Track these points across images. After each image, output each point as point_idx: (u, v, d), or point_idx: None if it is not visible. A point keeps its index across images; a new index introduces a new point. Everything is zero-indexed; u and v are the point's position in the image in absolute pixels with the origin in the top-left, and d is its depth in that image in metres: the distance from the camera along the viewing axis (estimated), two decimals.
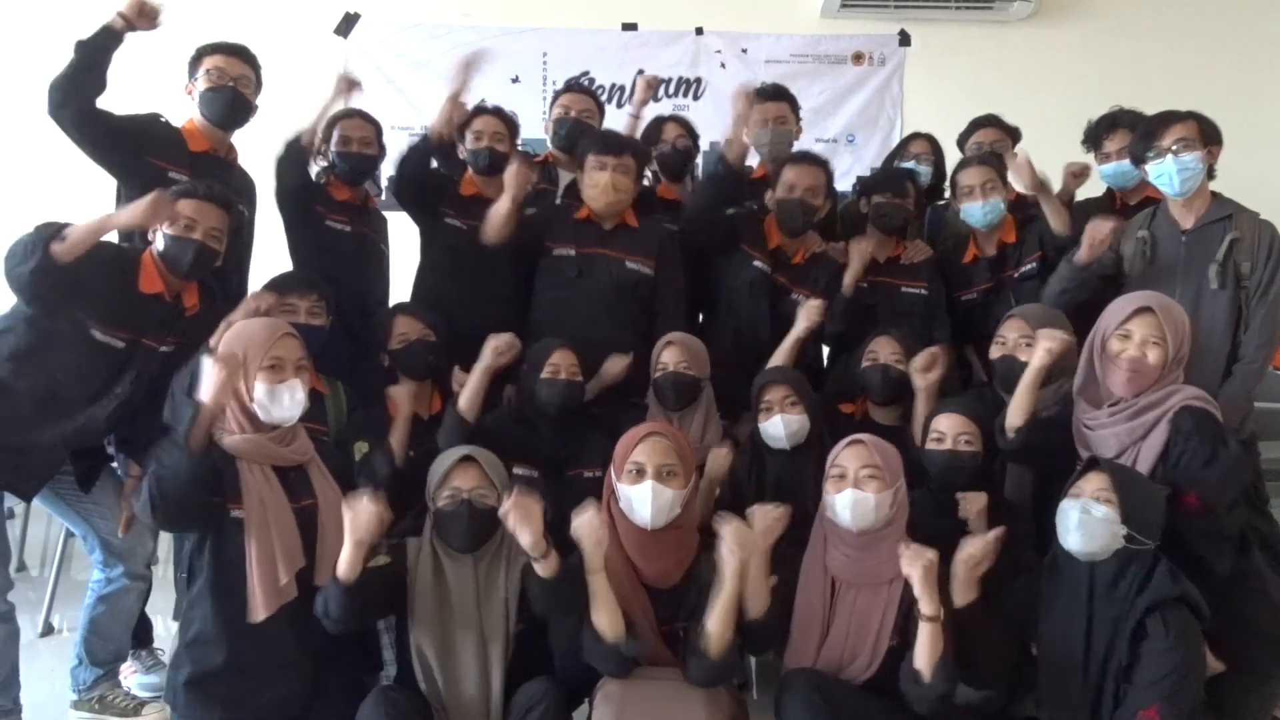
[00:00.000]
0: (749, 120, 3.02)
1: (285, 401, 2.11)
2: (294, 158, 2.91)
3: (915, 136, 3.56)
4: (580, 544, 2.05)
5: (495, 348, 2.57)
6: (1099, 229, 2.60)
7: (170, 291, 2.46)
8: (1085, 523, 1.97)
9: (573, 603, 2.07)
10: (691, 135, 3.36)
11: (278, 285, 2.62)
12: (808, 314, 2.78)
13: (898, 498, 2.15)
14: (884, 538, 2.13)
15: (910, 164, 3.41)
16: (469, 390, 2.52)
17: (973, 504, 2.29)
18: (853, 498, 2.11)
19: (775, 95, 3.31)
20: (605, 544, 2.06)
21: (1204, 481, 2.11)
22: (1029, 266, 2.93)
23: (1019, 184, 2.92)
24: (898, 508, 2.15)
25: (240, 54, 2.81)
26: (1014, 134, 3.44)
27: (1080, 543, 1.99)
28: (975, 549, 2.04)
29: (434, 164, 3.10)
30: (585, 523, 2.05)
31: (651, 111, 3.36)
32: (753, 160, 3.27)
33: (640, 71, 4.90)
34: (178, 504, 2.02)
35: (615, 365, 2.75)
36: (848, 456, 2.17)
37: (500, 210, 2.77)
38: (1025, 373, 2.34)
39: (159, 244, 2.42)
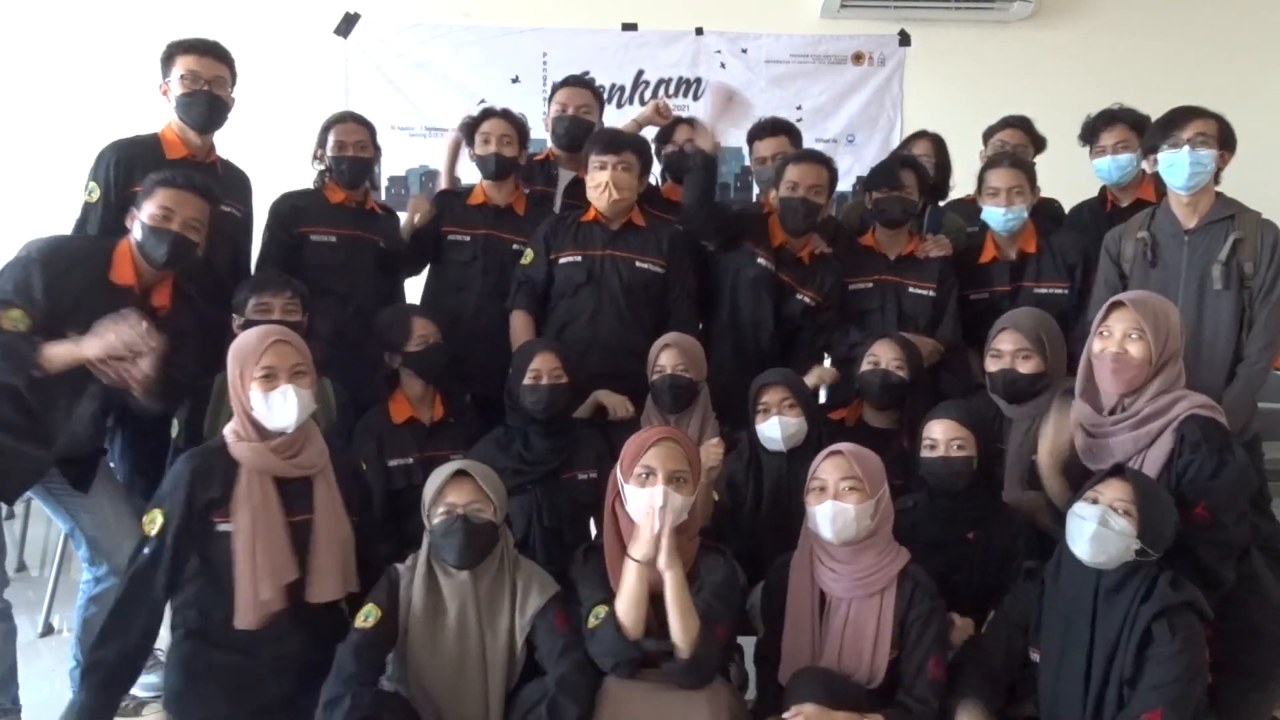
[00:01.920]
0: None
1: (279, 407, 2.10)
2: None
3: (918, 136, 3.54)
4: (638, 530, 2.05)
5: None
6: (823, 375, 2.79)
7: (141, 285, 2.42)
8: (1101, 535, 1.93)
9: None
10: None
11: (253, 286, 2.62)
12: (819, 378, 2.82)
13: (880, 507, 2.13)
14: (869, 547, 2.12)
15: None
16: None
17: (960, 634, 2.23)
18: (833, 510, 2.09)
19: (776, 130, 3.27)
20: (664, 533, 2.03)
21: (1212, 492, 2.09)
22: (1056, 290, 2.89)
23: None
24: (881, 517, 2.13)
25: (213, 52, 2.76)
26: (1039, 141, 3.42)
27: (1091, 553, 1.95)
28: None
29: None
30: (648, 505, 2.05)
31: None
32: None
33: (640, 72, 4.92)
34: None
35: (619, 406, 2.75)
36: (827, 468, 2.15)
37: None
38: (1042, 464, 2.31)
39: (136, 234, 2.39)
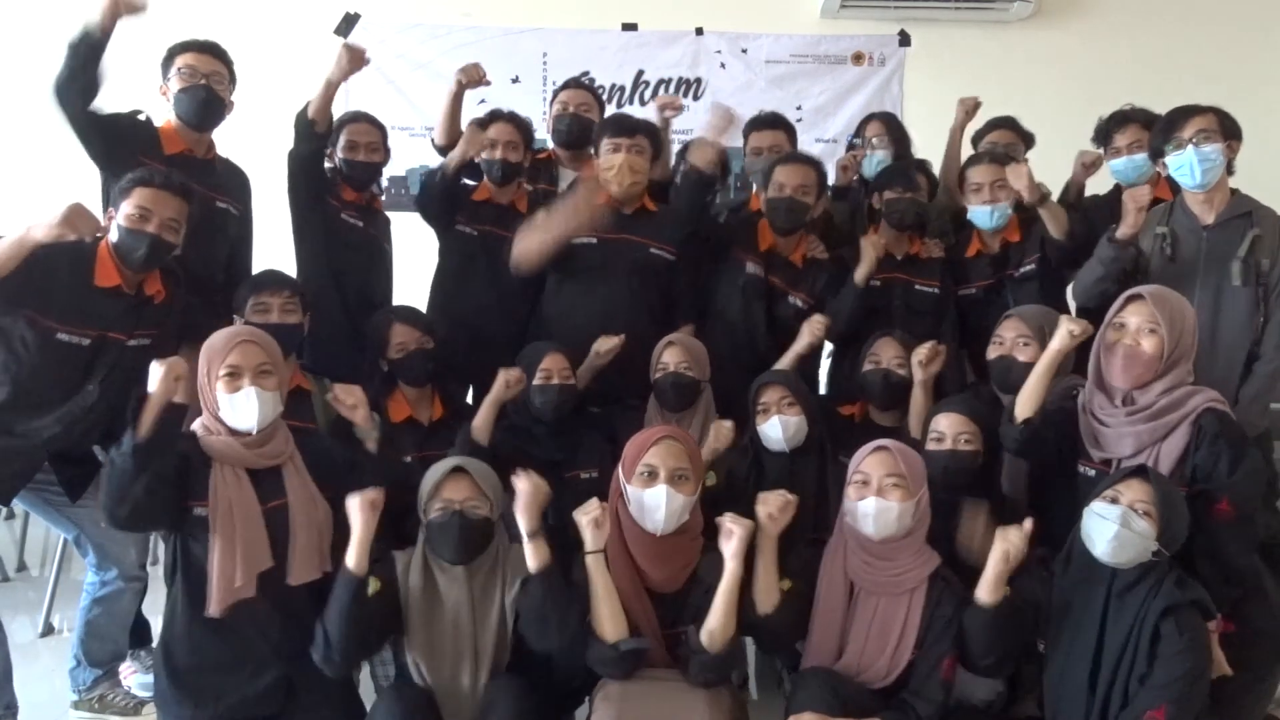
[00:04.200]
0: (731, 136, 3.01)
1: (241, 408, 2.10)
2: (301, 129, 2.90)
3: (871, 118, 3.53)
4: (580, 527, 2.08)
5: (507, 381, 2.58)
6: (1139, 194, 2.60)
7: (129, 284, 2.41)
8: (1123, 535, 1.93)
9: (565, 622, 2.06)
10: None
11: (252, 285, 2.62)
12: (811, 330, 2.78)
13: (920, 506, 2.13)
14: (905, 547, 2.12)
15: (867, 150, 3.36)
16: (481, 419, 2.54)
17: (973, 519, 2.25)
18: (876, 507, 2.09)
19: (772, 124, 3.28)
20: (606, 528, 2.08)
21: (1234, 488, 2.08)
22: (1028, 267, 2.92)
23: (1027, 194, 2.85)
24: (920, 516, 2.13)
25: (211, 50, 2.76)
26: (1028, 139, 3.42)
27: (1111, 553, 1.95)
28: (1013, 546, 2.02)
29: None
30: (587, 506, 2.09)
31: (651, 112, 3.35)
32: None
33: (640, 72, 4.92)
34: (122, 498, 2.01)
35: (605, 344, 2.74)
36: (872, 463, 2.13)
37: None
38: (1043, 356, 2.28)
39: (113, 235, 2.37)
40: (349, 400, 2.42)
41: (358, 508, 2.05)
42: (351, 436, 2.62)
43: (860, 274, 2.88)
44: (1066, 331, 2.27)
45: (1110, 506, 1.97)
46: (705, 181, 2.87)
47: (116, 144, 2.63)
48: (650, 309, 2.91)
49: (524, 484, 2.11)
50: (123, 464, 1.99)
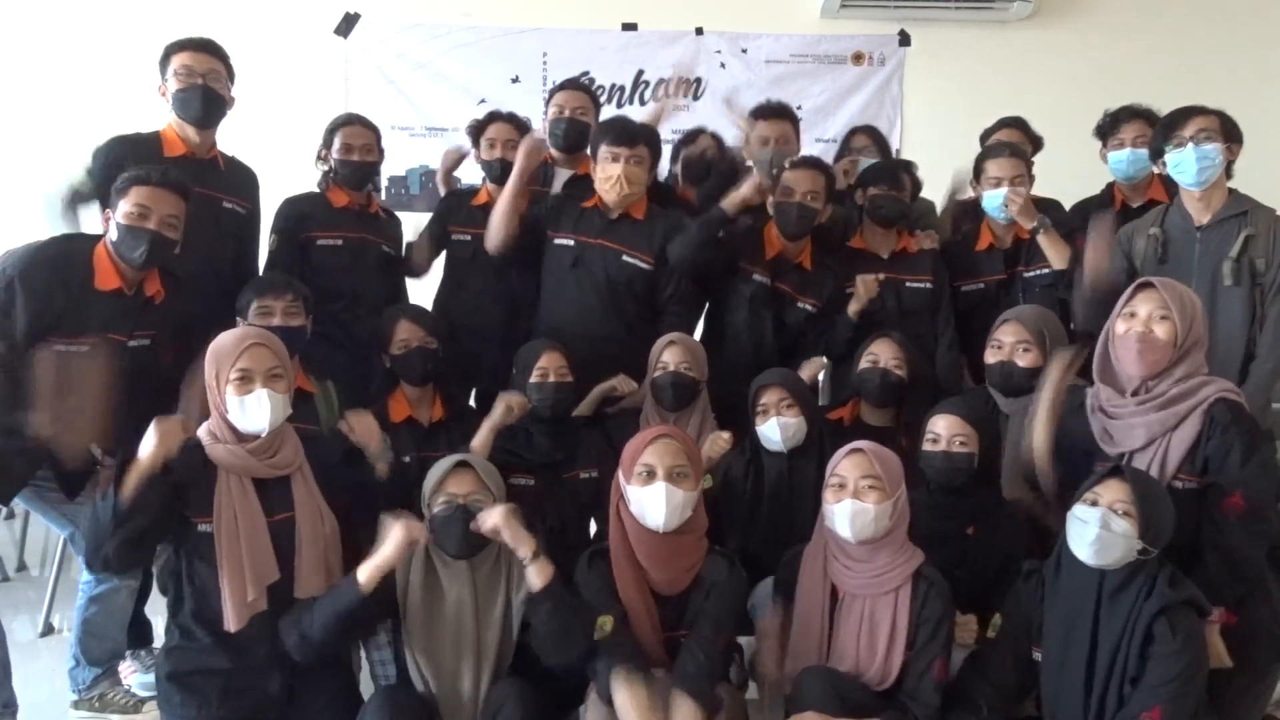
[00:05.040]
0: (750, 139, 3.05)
1: (253, 411, 2.10)
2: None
3: (855, 131, 3.55)
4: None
5: (509, 406, 2.56)
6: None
7: (130, 285, 2.40)
8: (1104, 538, 1.93)
9: (573, 636, 2.05)
10: (721, 147, 3.35)
11: (255, 288, 2.61)
12: (812, 370, 2.81)
13: (898, 507, 2.12)
14: (885, 546, 2.11)
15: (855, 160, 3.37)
16: (480, 442, 2.51)
17: (964, 632, 2.23)
18: (852, 509, 2.09)
19: (779, 114, 3.23)
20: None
21: (1248, 481, 2.07)
22: (1044, 271, 2.89)
23: (1023, 221, 2.87)
24: (898, 516, 2.13)
25: (207, 48, 2.76)
26: (1036, 141, 3.41)
27: (1094, 555, 1.95)
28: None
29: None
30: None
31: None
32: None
33: (640, 72, 4.92)
34: (97, 548, 2.02)
35: (625, 386, 2.74)
36: (847, 466, 2.13)
37: (499, 211, 2.76)
38: (1039, 412, 2.26)
39: (112, 233, 2.36)
40: (363, 431, 2.40)
41: (395, 540, 2.01)
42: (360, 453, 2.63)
43: (854, 309, 2.90)
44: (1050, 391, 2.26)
45: (1090, 509, 1.96)
46: (723, 221, 2.80)
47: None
48: (623, 316, 2.87)
49: (492, 520, 2.05)
50: (104, 516, 1.99)
